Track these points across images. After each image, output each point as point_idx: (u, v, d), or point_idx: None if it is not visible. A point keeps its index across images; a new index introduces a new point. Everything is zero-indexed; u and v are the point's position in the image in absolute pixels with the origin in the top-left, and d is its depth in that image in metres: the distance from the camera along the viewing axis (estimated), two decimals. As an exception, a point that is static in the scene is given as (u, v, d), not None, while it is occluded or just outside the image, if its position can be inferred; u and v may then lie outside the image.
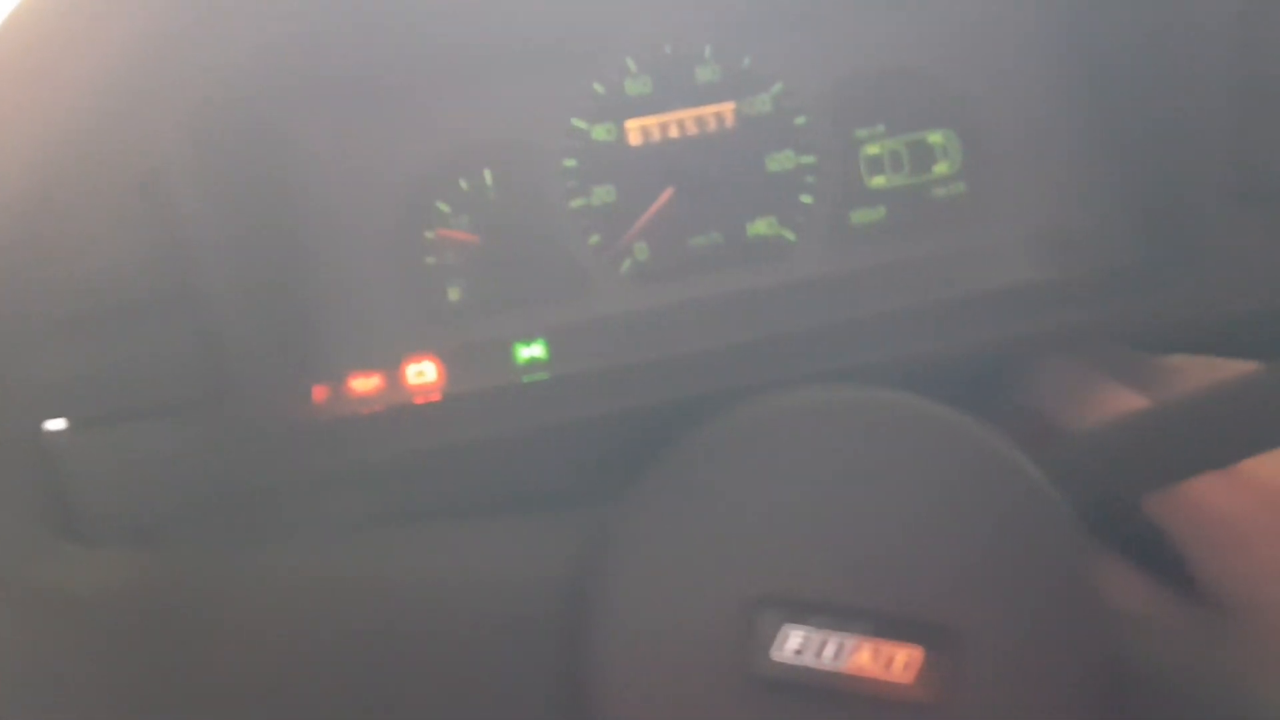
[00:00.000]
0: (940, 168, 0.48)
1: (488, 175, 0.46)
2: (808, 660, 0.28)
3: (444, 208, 0.46)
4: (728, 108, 0.47)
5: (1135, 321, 0.42)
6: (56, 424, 0.40)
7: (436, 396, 0.46)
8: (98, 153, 0.35)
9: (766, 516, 0.28)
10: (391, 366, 0.46)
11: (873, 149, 0.48)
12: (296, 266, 0.45)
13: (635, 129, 0.47)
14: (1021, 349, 0.42)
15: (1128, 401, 0.38)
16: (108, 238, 0.37)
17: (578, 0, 0.45)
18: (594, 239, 0.47)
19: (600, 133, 0.47)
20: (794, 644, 0.28)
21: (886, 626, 0.28)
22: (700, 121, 0.47)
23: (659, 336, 0.46)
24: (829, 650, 0.28)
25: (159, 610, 0.31)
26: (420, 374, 0.46)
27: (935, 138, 0.48)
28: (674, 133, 0.47)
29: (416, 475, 0.42)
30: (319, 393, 0.45)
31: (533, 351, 0.46)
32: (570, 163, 0.47)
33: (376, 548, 0.32)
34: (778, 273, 0.47)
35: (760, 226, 0.47)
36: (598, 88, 0.47)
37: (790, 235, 0.47)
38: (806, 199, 0.47)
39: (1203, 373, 0.38)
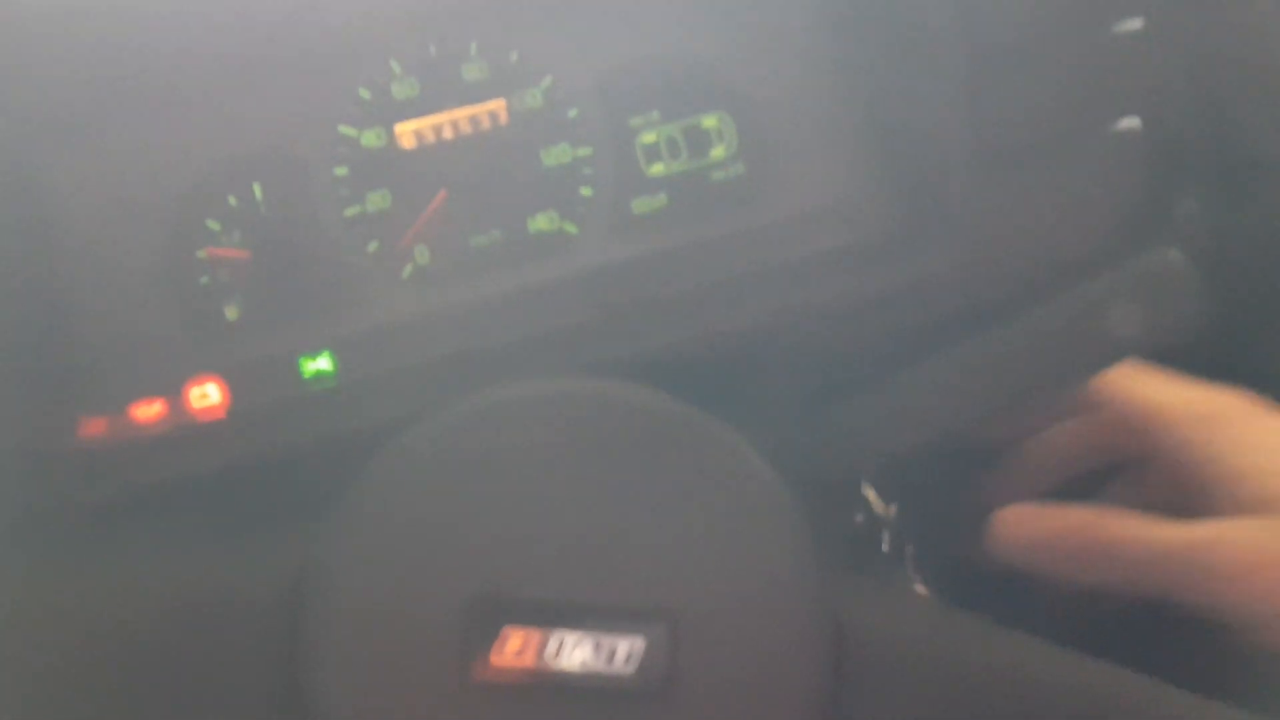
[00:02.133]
0: (717, 151, 0.48)
1: (257, 189, 0.45)
2: (529, 661, 0.28)
3: (214, 225, 0.45)
4: (499, 105, 0.47)
5: (899, 289, 0.43)
6: None
7: (221, 414, 0.45)
8: None
9: (476, 516, 0.29)
10: (173, 392, 0.45)
11: (649, 137, 0.48)
12: (61, 299, 0.44)
13: (406, 132, 0.46)
14: (798, 322, 0.43)
15: None
16: None
17: (336, 4, 0.45)
18: (372, 246, 0.46)
19: (370, 138, 0.46)
20: (515, 645, 0.28)
21: (604, 619, 0.28)
22: (472, 120, 0.47)
23: (446, 337, 0.46)
24: (550, 648, 0.28)
25: None
26: (204, 396, 0.45)
27: (710, 121, 0.48)
28: (447, 134, 0.47)
29: (199, 496, 0.42)
30: (92, 425, 0.44)
31: (319, 364, 0.46)
32: (341, 171, 0.46)
33: (97, 572, 0.31)
34: (562, 266, 0.47)
35: (541, 221, 0.47)
36: (363, 93, 0.46)
37: (572, 228, 0.47)
38: (586, 191, 0.48)
39: None
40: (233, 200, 0.45)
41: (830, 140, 0.48)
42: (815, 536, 0.30)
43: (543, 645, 0.28)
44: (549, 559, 0.28)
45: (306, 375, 0.46)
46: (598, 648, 0.28)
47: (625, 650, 0.28)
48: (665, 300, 0.46)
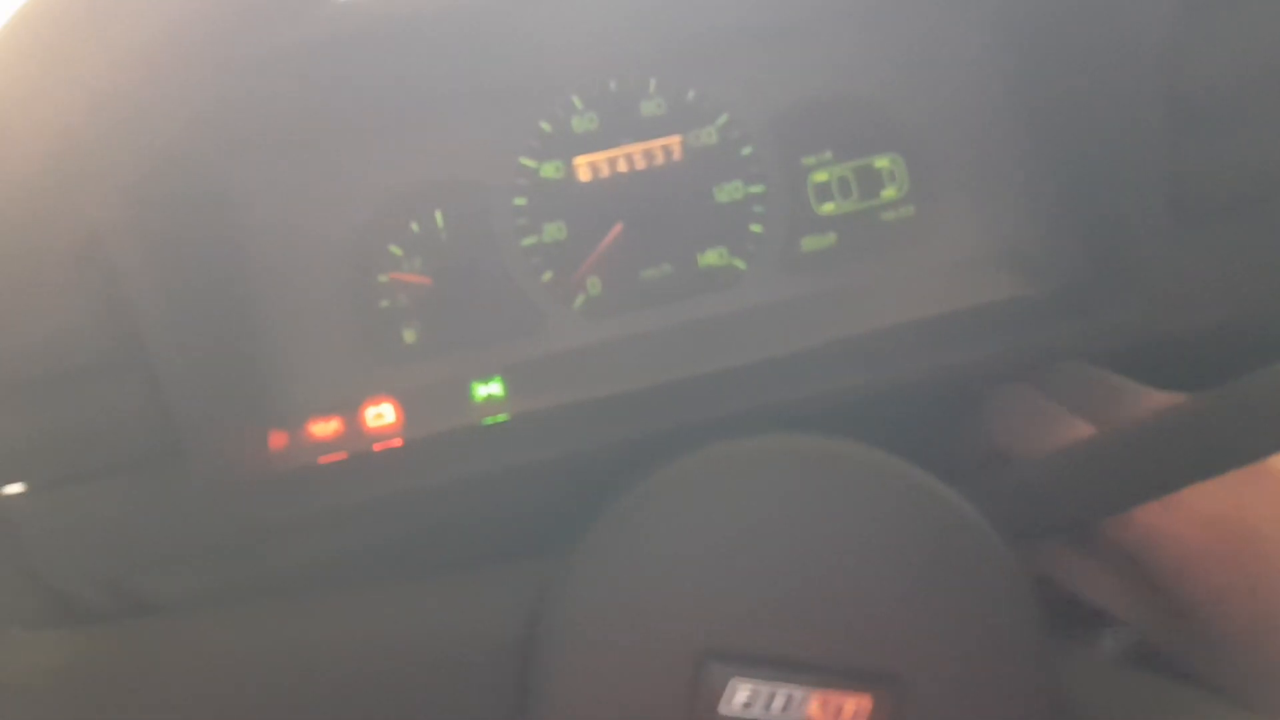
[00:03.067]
0: (888, 192, 0.48)
1: (439, 217, 0.47)
2: (756, 713, 0.28)
3: (396, 251, 0.46)
4: (674, 140, 0.48)
5: (1081, 342, 0.42)
6: (14, 489, 0.40)
7: (397, 439, 0.46)
8: (37, 222, 0.35)
9: (710, 569, 0.29)
10: (350, 410, 0.46)
11: (820, 176, 0.48)
12: (249, 317, 0.45)
13: (584, 165, 0.47)
14: (972, 373, 0.43)
15: (1079, 430, 0.38)
16: (52, 304, 0.37)
17: (522, 41, 0.45)
18: (547, 275, 0.47)
19: (549, 170, 0.47)
20: (742, 697, 0.28)
21: (833, 676, 0.28)
22: (648, 155, 0.47)
23: (615, 370, 0.47)
24: (778, 702, 0.28)
25: (97, 690, 0.31)
26: (379, 416, 0.46)
27: (882, 162, 0.48)
28: (622, 167, 0.47)
29: (378, 522, 0.43)
30: (277, 439, 0.45)
31: (490, 390, 0.47)
32: (520, 201, 0.47)
33: (326, 610, 0.32)
34: (730, 302, 0.48)
35: (711, 257, 0.48)
36: (545, 126, 0.47)
37: (741, 264, 0.48)
38: (756, 228, 0.48)
39: (1152, 398, 0.39)
40: (415, 227, 0.46)
41: (1006, 185, 0.48)
42: (1038, 606, 0.30)
43: (770, 699, 0.28)
44: (778, 614, 0.29)
45: (477, 400, 0.47)
46: (825, 705, 0.28)
47: (852, 709, 0.28)
48: (830, 345, 0.45)
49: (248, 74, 0.42)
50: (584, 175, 0.47)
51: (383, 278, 0.46)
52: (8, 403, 0.38)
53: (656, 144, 0.47)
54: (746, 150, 0.48)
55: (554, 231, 0.47)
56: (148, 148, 0.36)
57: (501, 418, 0.46)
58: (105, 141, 0.33)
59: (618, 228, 0.47)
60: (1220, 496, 0.34)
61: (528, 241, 0.47)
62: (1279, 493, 0.34)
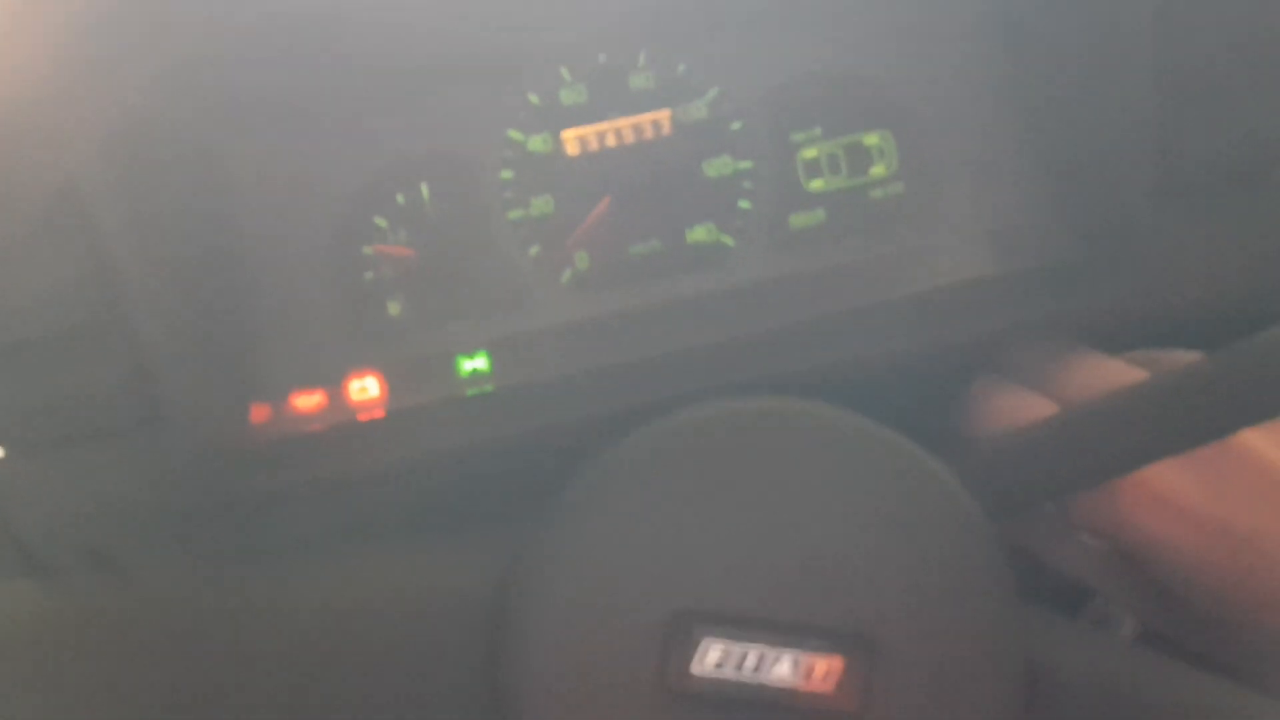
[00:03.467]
0: (877, 169, 0.48)
1: (425, 189, 0.46)
2: (728, 673, 0.28)
3: (381, 223, 0.46)
4: (664, 115, 0.47)
5: (1072, 318, 0.42)
6: (-5, 452, 0.40)
7: (380, 412, 0.46)
8: (14, 175, 0.34)
9: (683, 530, 0.29)
10: (334, 383, 0.46)
11: (810, 152, 0.48)
12: (232, 286, 0.45)
13: (572, 139, 0.47)
14: (961, 349, 0.43)
15: (1045, 410, 0.38)
16: (33, 266, 0.37)
17: (510, 12, 0.45)
18: (534, 249, 0.47)
19: (537, 143, 0.47)
20: (714, 657, 0.28)
21: (805, 637, 0.28)
22: (637, 129, 0.47)
23: (601, 345, 0.46)
24: (749, 662, 0.28)
25: (103, 634, 0.31)
26: (363, 390, 0.46)
27: (872, 139, 0.48)
28: (611, 141, 0.47)
29: (361, 492, 0.43)
30: (259, 412, 0.45)
31: (475, 364, 0.46)
32: (507, 174, 0.47)
33: (299, 571, 0.32)
34: (718, 278, 0.47)
35: (699, 233, 0.47)
36: (533, 98, 0.47)
37: (729, 240, 0.48)
38: (745, 204, 0.48)
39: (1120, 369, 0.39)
40: (401, 199, 0.46)
41: (996, 163, 0.47)
42: (1012, 573, 0.29)
43: (742, 659, 0.28)
44: (752, 575, 0.28)
45: (462, 374, 0.46)
46: (796, 664, 0.28)
47: (824, 669, 0.28)
48: (817, 321, 0.45)
49: (232, 37, 0.42)
50: (572, 149, 0.47)
51: (367, 249, 0.46)
52: None
53: (645, 118, 0.47)
54: (736, 125, 0.48)
55: (541, 205, 0.47)
56: (122, 102, 0.36)
57: (486, 388, 0.45)
58: (77, 90, 0.33)
59: (605, 202, 0.47)
60: (1212, 497, 0.33)
61: (515, 215, 0.47)
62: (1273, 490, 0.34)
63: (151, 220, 0.39)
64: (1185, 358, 0.37)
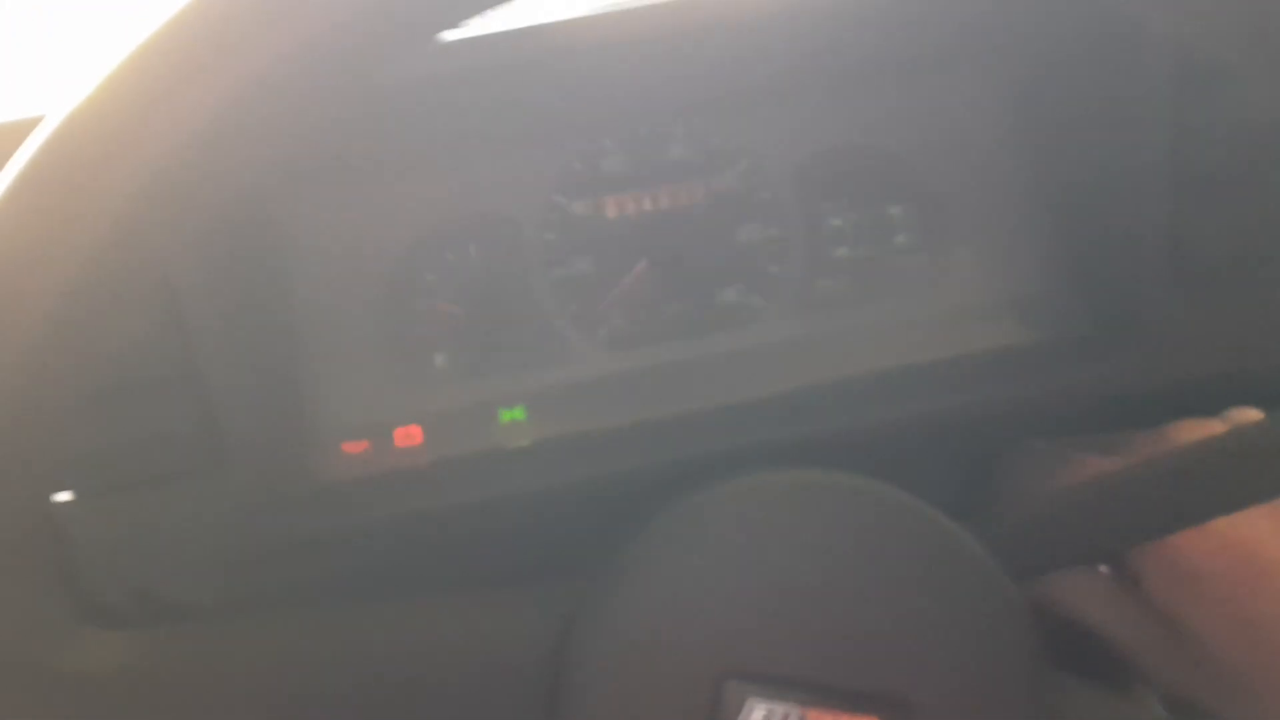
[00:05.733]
0: (900, 239, 0.51)
1: (472, 248, 0.49)
2: (771, 732, 0.30)
3: (430, 279, 0.49)
4: (698, 184, 0.50)
5: (1081, 389, 0.45)
6: (64, 496, 0.42)
7: (423, 460, 0.48)
8: (120, 259, 0.37)
9: (730, 595, 0.31)
10: (381, 434, 0.48)
11: (836, 221, 0.51)
12: (290, 342, 0.48)
13: (612, 204, 0.50)
14: (976, 416, 0.45)
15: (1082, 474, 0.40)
16: (122, 321, 0.39)
17: (561, 87, 0.48)
18: (572, 308, 0.49)
19: (579, 208, 0.49)
20: (758, 716, 0.30)
21: (843, 698, 0.30)
22: (673, 196, 0.50)
23: (634, 400, 0.49)
24: (791, 721, 0.30)
25: (162, 688, 0.33)
26: (408, 438, 0.49)
27: (895, 210, 0.51)
28: (648, 207, 0.50)
29: (405, 538, 0.45)
30: (313, 456, 0.47)
31: (514, 416, 0.49)
32: (550, 236, 0.49)
33: (355, 623, 0.34)
34: (746, 338, 0.50)
35: (729, 294, 0.50)
36: (577, 166, 0.49)
37: (758, 302, 0.50)
38: (774, 268, 0.50)
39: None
40: (449, 257, 0.49)
41: (1014, 239, 0.50)
42: (1036, 636, 0.32)
43: (784, 719, 0.30)
44: (794, 638, 0.31)
45: (502, 425, 0.49)
46: (835, 724, 0.30)
47: (861, 729, 0.30)
48: (841, 383, 0.48)
49: (329, 110, 0.44)
50: (612, 213, 0.50)
51: (417, 305, 0.49)
52: (68, 414, 0.40)
53: (681, 186, 0.50)
54: (766, 195, 0.50)
55: (581, 266, 0.49)
56: (233, 185, 0.38)
57: (524, 442, 0.48)
58: (196, 181, 0.35)
59: (643, 264, 0.49)
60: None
61: (556, 274, 0.49)
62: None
63: (220, 283, 0.42)
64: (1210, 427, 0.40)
